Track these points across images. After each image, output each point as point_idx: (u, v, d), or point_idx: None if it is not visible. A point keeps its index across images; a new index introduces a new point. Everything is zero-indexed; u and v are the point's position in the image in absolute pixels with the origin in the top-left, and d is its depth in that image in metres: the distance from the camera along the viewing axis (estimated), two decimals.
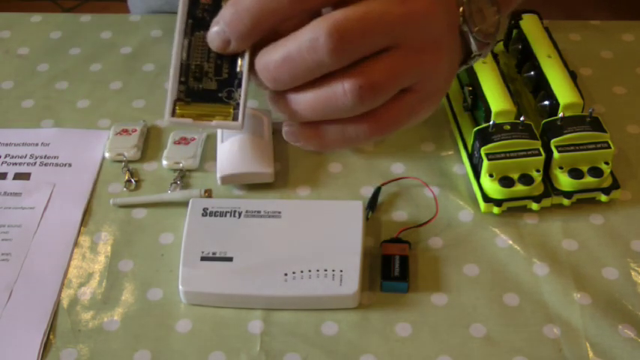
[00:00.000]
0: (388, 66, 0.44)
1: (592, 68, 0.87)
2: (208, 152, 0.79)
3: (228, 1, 0.44)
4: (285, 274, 0.66)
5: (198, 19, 0.45)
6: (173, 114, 0.45)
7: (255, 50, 0.45)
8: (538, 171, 0.72)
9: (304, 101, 0.44)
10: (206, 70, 0.45)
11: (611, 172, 0.74)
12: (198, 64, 0.45)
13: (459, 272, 0.69)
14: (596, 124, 0.74)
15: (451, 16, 0.48)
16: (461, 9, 0.49)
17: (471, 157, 0.76)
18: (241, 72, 0.45)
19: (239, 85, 0.45)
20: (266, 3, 0.43)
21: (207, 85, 0.45)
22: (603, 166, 0.73)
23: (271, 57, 0.43)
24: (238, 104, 0.45)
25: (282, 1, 0.42)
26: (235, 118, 0.45)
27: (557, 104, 0.75)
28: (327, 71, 0.43)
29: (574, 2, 1.04)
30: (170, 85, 0.45)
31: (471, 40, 0.50)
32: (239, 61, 0.45)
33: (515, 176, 0.72)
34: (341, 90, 0.44)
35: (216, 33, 0.44)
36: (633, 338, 0.64)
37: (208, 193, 0.74)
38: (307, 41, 0.42)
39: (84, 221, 0.74)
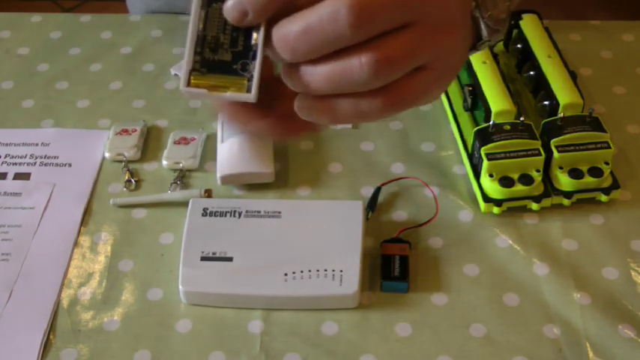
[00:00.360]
0: (405, 42, 0.44)
1: (592, 68, 0.87)
2: (208, 152, 0.79)
3: None
4: (285, 274, 0.66)
5: None
6: (188, 84, 0.45)
7: (270, 22, 0.45)
8: (538, 171, 0.72)
9: (320, 73, 0.45)
10: (222, 41, 0.45)
11: (611, 172, 0.74)
12: (214, 36, 0.45)
13: (459, 272, 0.69)
14: (596, 124, 0.74)
15: (465, 0, 0.49)
16: None
17: (471, 157, 0.76)
18: (256, 44, 0.45)
19: (254, 58, 0.45)
20: None
21: (222, 56, 0.45)
22: (603, 166, 0.73)
23: (291, 28, 0.43)
24: (252, 76, 0.45)
25: None
26: (249, 90, 0.45)
27: (557, 104, 0.75)
28: (345, 44, 0.44)
29: (574, 2, 1.04)
30: (186, 56, 0.45)
31: (482, 25, 0.50)
32: (254, 34, 0.45)
33: (515, 176, 0.72)
34: (357, 63, 0.44)
35: (233, 5, 0.44)
36: (633, 338, 0.64)
37: (208, 193, 0.74)
38: (328, 13, 0.42)
39: (84, 221, 0.74)
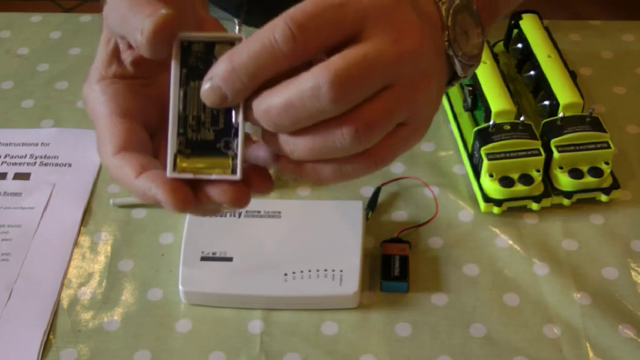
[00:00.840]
0: (384, 106, 0.45)
1: (592, 68, 0.87)
2: None
3: (222, 55, 0.44)
4: (285, 274, 0.66)
5: (192, 68, 0.45)
6: (175, 168, 0.45)
7: (249, 97, 0.45)
8: (538, 171, 0.72)
9: (302, 144, 0.45)
10: (203, 120, 0.46)
11: (611, 172, 0.74)
12: (195, 115, 0.46)
13: (459, 272, 0.69)
14: (596, 124, 0.74)
15: (437, 42, 0.49)
16: (446, 33, 0.49)
17: (471, 157, 0.76)
18: (237, 122, 0.45)
19: (236, 135, 0.45)
20: (263, 59, 0.43)
21: (204, 135, 0.46)
22: (603, 166, 0.73)
23: (272, 102, 0.44)
24: (236, 155, 0.45)
25: (278, 55, 0.43)
26: (234, 171, 0.45)
27: (557, 104, 0.75)
28: (327, 117, 0.44)
29: (574, 2, 1.04)
30: (169, 139, 0.46)
31: (456, 63, 0.50)
32: (233, 112, 0.45)
33: (515, 176, 0.72)
34: (339, 133, 0.44)
35: (211, 89, 0.44)
36: (633, 338, 0.64)
37: None
38: (309, 89, 0.43)
39: (84, 221, 0.74)
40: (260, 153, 0.47)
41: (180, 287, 0.67)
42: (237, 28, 0.45)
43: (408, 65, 0.45)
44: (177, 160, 0.45)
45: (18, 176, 0.77)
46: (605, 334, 0.65)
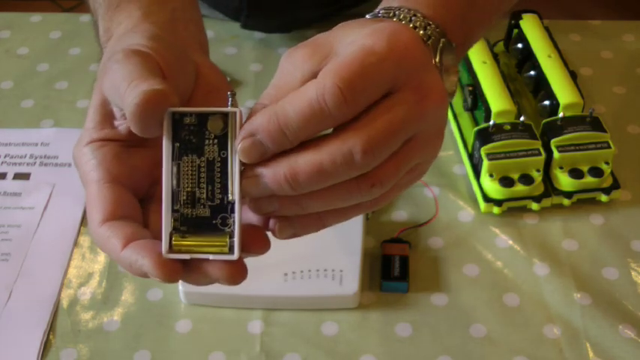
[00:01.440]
0: (401, 161, 0.46)
1: (592, 68, 0.87)
2: None
3: (258, 112, 0.43)
4: (285, 274, 0.66)
5: (185, 142, 0.44)
6: (170, 249, 0.44)
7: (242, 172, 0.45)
8: (538, 171, 0.72)
9: (317, 201, 0.45)
10: (198, 196, 0.44)
11: (612, 172, 0.74)
12: (190, 191, 0.44)
13: (459, 272, 0.69)
14: (596, 124, 0.74)
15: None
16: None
17: (471, 157, 0.76)
18: (234, 199, 0.44)
19: (232, 211, 0.44)
20: (311, 120, 0.42)
21: (200, 212, 0.44)
22: (603, 166, 0.73)
23: (298, 166, 0.43)
24: (233, 232, 0.44)
25: (327, 117, 0.42)
26: (231, 250, 0.44)
27: (557, 104, 0.75)
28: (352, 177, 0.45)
29: (574, 2, 1.04)
30: (164, 217, 0.44)
31: None
32: (229, 187, 0.44)
33: (516, 176, 0.72)
34: (357, 188, 0.45)
35: (253, 145, 0.43)
36: (633, 338, 0.64)
37: None
38: (341, 156, 0.43)
39: (84, 221, 0.74)
40: (252, 218, 0.46)
41: (180, 287, 0.67)
42: (230, 100, 0.44)
43: (430, 122, 0.46)
44: (173, 239, 0.44)
45: (18, 176, 0.77)
46: (605, 334, 0.65)
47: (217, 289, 0.67)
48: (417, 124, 0.45)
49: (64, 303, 0.68)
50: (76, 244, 0.72)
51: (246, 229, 0.45)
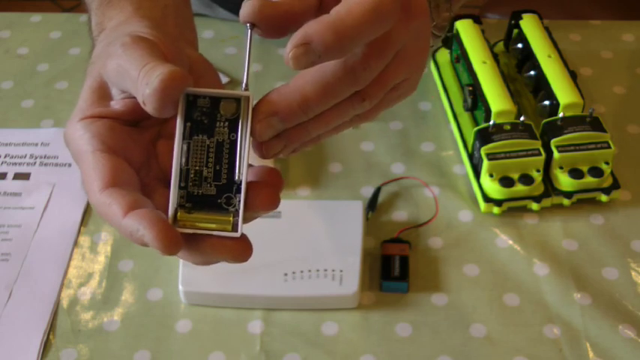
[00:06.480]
0: (394, 72, 0.48)
1: (592, 68, 0.87)
2: None
3: (311, 22, 0.43)
4: (285, 274, 0.66)
5: (197, 122, 0.45)
6: (175, 222, 0.45)
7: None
8: (538, 171, 0.72)
9: (323, 123, 0.48)
10: (205, 175, 0.45)
11: (612, 172, 0.74)
12: (197, 170, 0.45)
13: (459, 272, 0.69)
14: (596, 124, 0.74)
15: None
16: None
17: (471, 157, 0.76)
18: (240, 179, 0.45)
19: (238, 191, 0.45)
20: (369, 23, 0.43)
21: (206, 190, 0.45)
22: (603, 166, 0.73)
23: (308, 92, 0.45)
24: (237, 211, 0.45)
25: (390, 13, 0.44)
26: (235, 229, 0.45)
27: (557, 104, 0.75)
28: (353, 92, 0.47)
29: (574, 2, 1.04)
30: (171, 192, 0.45)
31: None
32: (237, 168, 0.45)
33: (516, 176, 0.72)
34: (357, 103, 0.47)
35: (304, 53, 0.43)
36: (633, 338, 0.64)
37: None
38: (344, 73, 0.45)
39: (84, 221, 0.74)
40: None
41: (180, 287, 0.67)
42: (245, 83, 0.45)
43: (412, 38, 0.48)
44: (178, 214, 0.45)
45: (18, 176, 0.77)
46: (605, 334, 0.65)
47: (217, 289, 0.67)
48: (403, 38, 0.47)
49: (64, 303, 0.68)
50: (76, 244, 0.72)
51: (253, 186, 0.46)
